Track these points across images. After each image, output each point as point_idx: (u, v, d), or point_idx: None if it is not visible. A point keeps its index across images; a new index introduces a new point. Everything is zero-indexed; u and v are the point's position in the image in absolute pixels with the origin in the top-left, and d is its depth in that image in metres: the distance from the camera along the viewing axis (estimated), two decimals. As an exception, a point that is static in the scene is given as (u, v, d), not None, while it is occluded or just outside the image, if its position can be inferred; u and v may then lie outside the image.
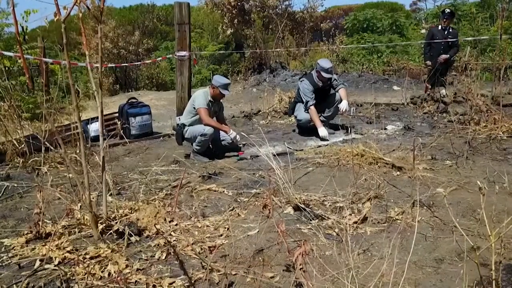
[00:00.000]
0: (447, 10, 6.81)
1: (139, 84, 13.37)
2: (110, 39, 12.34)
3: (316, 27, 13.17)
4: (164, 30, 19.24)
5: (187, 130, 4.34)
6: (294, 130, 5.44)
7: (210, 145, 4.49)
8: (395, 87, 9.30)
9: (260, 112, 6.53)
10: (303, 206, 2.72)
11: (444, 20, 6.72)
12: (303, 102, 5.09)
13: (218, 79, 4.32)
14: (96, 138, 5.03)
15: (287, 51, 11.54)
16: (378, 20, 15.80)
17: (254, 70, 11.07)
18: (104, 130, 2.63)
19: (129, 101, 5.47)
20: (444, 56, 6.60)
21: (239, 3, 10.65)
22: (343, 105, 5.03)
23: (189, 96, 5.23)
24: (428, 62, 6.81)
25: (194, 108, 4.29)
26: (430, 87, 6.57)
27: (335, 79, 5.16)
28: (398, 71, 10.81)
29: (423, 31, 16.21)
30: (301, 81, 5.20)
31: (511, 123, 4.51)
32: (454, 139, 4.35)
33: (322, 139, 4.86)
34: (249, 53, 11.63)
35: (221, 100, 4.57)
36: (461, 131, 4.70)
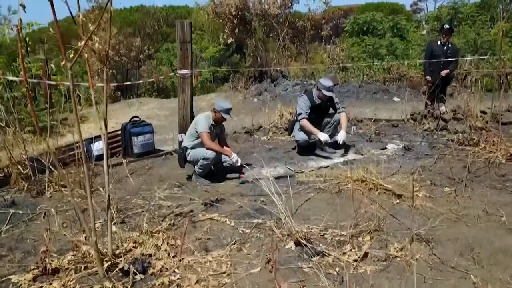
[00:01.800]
0: (446, 26, 6.85)
1: (140, 90, 13.37)
2: (112, 46, 12.35)
3: (317, 34, 13.19)
4: (164, 31, 19.18)
5: (189, 153, 4.39)
6: (294, 148, 5.48)
7: (212, 167, 4.54)
8: (395, 98, 9.35)
9: (261, 128, 6.57)
10: (304, 242, 2.78)
11: (444, 36, 6.76)
12: None
13: (220, 104, 4.37)
14: (99, 157, 5.07)
15: (288, 56, 11.58)
16: (379, 23, 15.76)
17: (255, 79, 11.10)
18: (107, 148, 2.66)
19: (132, 120, 5.52)
20: (445, 72, 6.63)
21: (239, 13, 10.68)
22: (341, 137, 4.97)
23: (191, 113, 5.26)
24: (428, 78, 6.85)
25: (196, 131, 4.34)
26: (430, 103, 6.62)
27: (337, 102, 5.18)
28: (399, 79, 10.84)
29: (424, 32, 16.28)
30: (300, 97, 5.24)
31: (510, 146, 4.56)
32: (453, 162, 4.39)
33: (324, 143, 4.96)
34: (250, 62, 11.67)
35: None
36: (460, 153, 4.75)
